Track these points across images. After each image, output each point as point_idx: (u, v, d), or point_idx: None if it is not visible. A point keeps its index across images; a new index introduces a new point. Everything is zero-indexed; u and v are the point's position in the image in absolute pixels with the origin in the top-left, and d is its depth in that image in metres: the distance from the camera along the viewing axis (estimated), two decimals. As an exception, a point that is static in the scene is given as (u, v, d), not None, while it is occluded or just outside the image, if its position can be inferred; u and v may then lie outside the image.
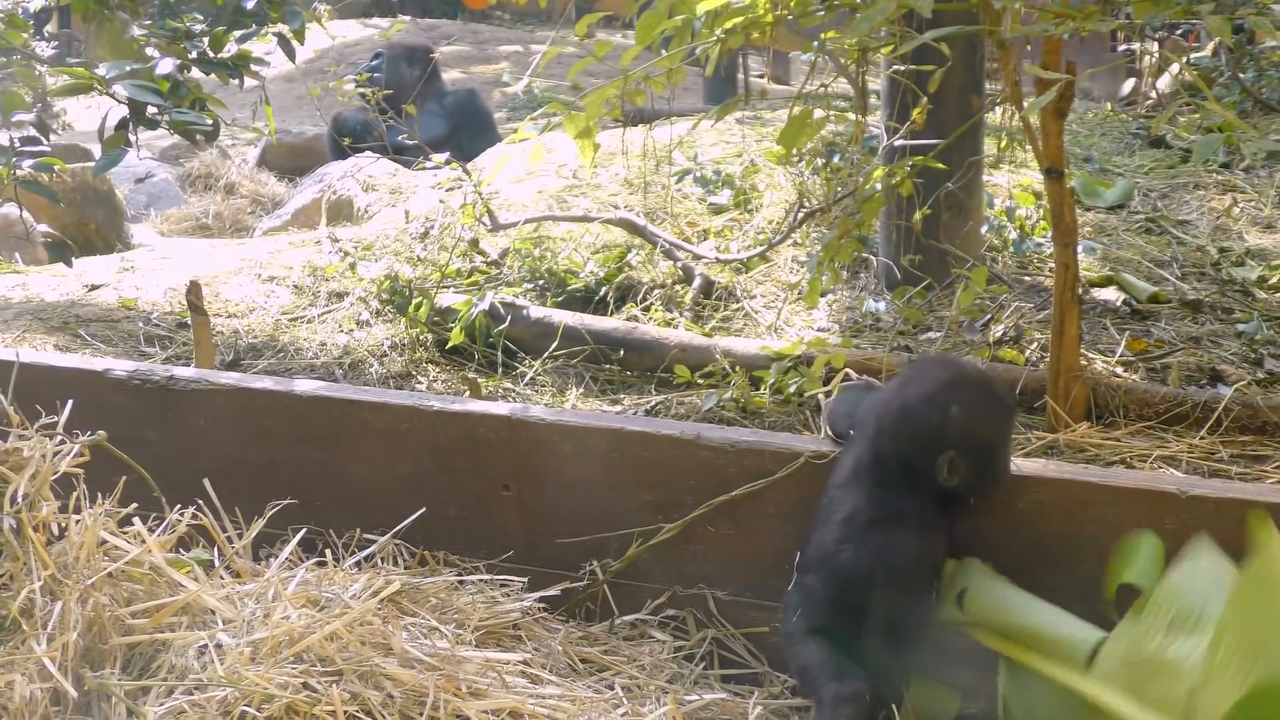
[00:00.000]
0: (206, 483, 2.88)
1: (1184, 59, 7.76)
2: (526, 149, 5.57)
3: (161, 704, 2.31)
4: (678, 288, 5.10)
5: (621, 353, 4.72)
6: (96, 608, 2.44)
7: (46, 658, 2.32)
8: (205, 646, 2.40)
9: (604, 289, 5.15)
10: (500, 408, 3.10)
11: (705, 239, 5.45)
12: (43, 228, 7.22)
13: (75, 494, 2.60)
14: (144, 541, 2.58)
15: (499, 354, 4.82)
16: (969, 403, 2.61)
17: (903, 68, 4.22)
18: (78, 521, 2.53)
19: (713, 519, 2.86)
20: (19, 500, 2.52)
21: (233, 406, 3.21)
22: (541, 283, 5.20)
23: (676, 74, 3.71)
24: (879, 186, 4.09)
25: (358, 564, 2.90)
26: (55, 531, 2.57)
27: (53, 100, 13.34)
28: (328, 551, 2.90)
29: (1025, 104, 3.48)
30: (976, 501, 2.63)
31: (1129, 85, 10.39)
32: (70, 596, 2.40)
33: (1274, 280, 4.80)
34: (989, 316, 4.56)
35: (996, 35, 3.50)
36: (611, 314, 5.03)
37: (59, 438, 2.68)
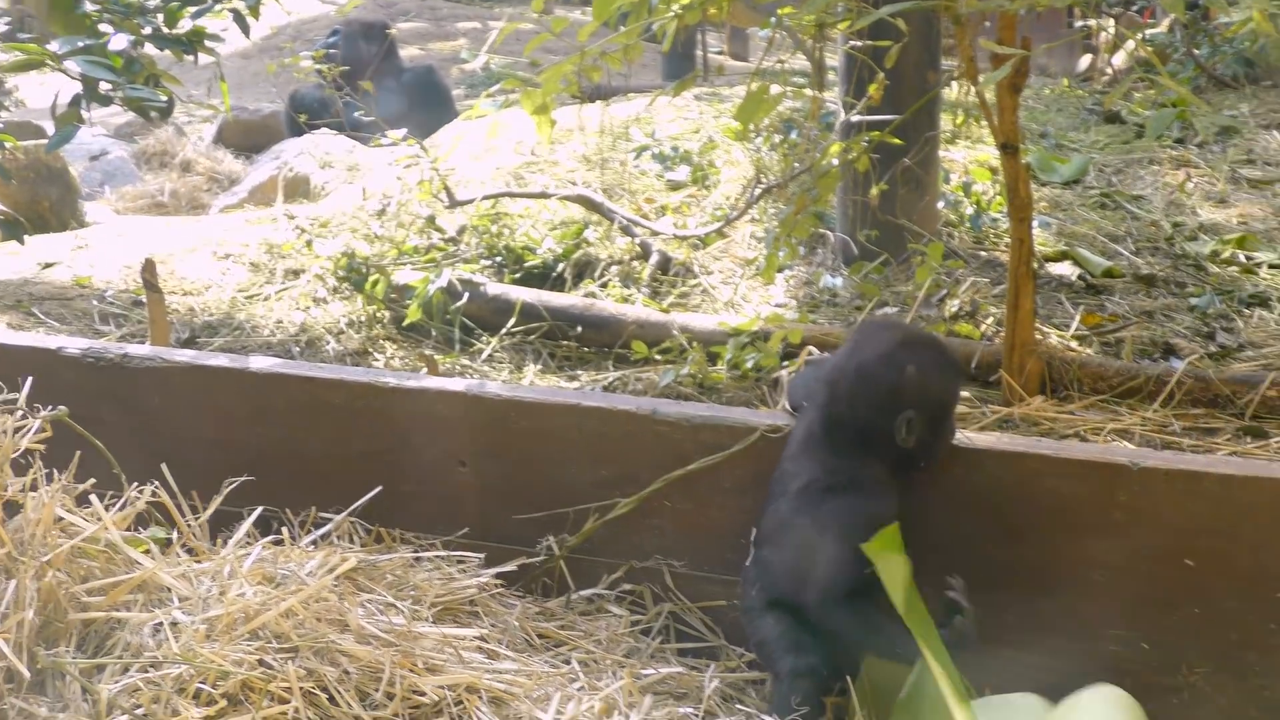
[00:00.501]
0: (164, 466, 2.86)
1: (1139, 35, 7.80)
2: (483, 126, 5.56)
3: (116, 682, 2.29)
4: (635, 264, 5.10)
5: (579, 329, 4.72)
6: (52, 585, 2.42)
7: (0, 636, 2.30)
8: (160, 624, 2.39)
9: (561, 265, 5.15)
10: (456, 384, 3.09)
11: (663, 215, 5.45)
12: (-3, 206, 7.16)
13: (33, 471, 2.58)
14: (100, 519, 2.57)
15: (456, 331, 4.82)
16: (924, 361, 2.62)
17: (859, 43, 4.23)
18: (34, 498, 2.51)
19: (669, 494, 2.86)
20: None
21: (188, 384, 3.19)
22: (499, 259, 5.19)
23: (633, 50, 3.70)
24: (835, 162, 4.09)
25: (314, 542, 2.89)
26: (12, 508, 2.55)
27: (5, 77, 13.22)
28: (284, 530, 2.89)
29: (981, 79, 3.49)
30: (926, 465, 2.64)
31: (1086, 61, 10.44)
32: (25, 574, 2.39)
33: (1227, 254, 4.83)
34: (945, 291, 4.58)
35: (952, 10, 3.50)
36: (569, 290, 5.03)
37: (19, 413, 2.66)
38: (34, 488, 2.55)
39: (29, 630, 2.33)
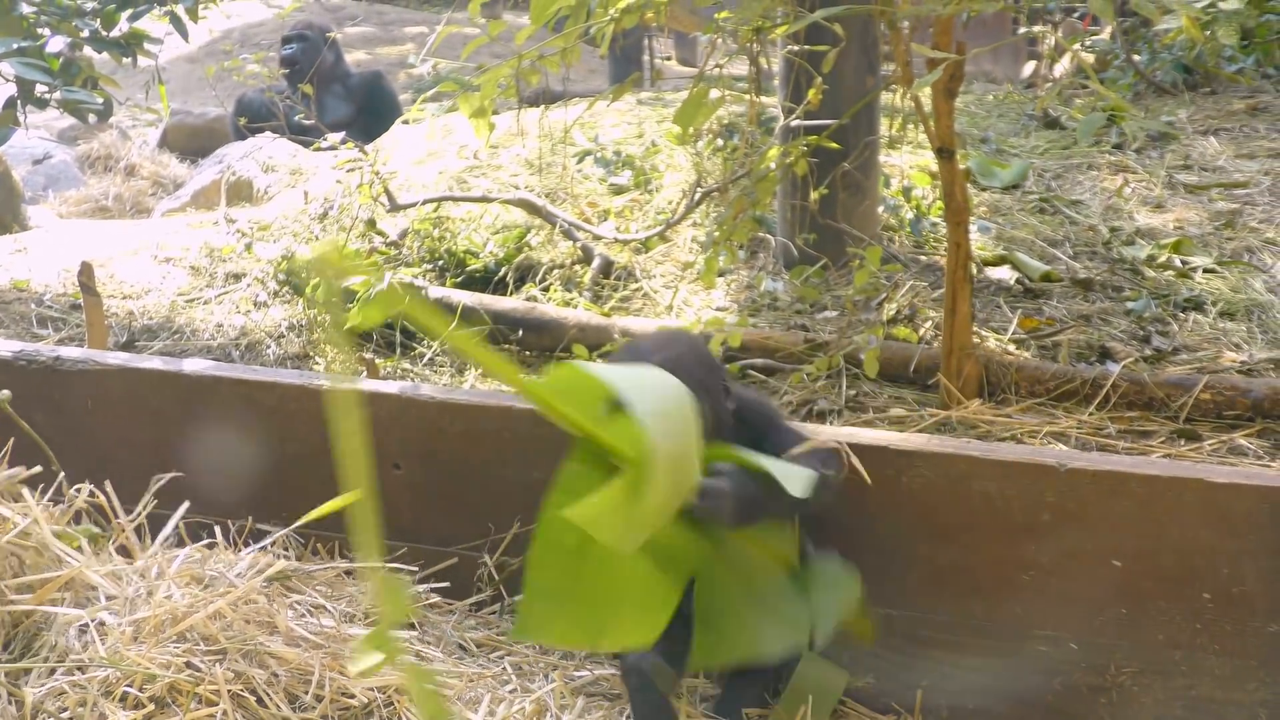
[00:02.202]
0: (98, 465, 2.85)
1: (1080, 42, 7.86)
2: (422, 129, 5.56)
3: (42, 684, 2.28)
4: (577, 268, 5.11)
5: (520, 332, 4.72)
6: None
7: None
8: (87, 625, 2.37)
9: (503, 269, 5.15)
10: (390, 386, 3.09)
11: (605, 219, 5.45)
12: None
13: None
14: (29, 514, 2.55)
15: (397, 334, 4.81)
16: (697, 353, 2.63)
17: (797, 48, 4.24)
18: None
19: (601, 495, 2.87)
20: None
21: (121, 387, 3.17)
22: (441, 263, 5.18)
23: (571, 53, 3.70)
24: (774, 166, 4.11)
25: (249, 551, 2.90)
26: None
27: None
28: (217, 530, 2.88)
29: (914, 84, 3.51)
30: None
31: (1030, 68, 10.51)
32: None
33: (1163, 259, 4.87)
34: (884, 295, 4.60)
35: (887, 15, 3.52)
36: (511, 294, 5.03)
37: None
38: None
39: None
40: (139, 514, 2.84)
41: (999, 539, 2.63)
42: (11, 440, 2.74)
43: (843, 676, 2.77)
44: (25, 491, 2.63)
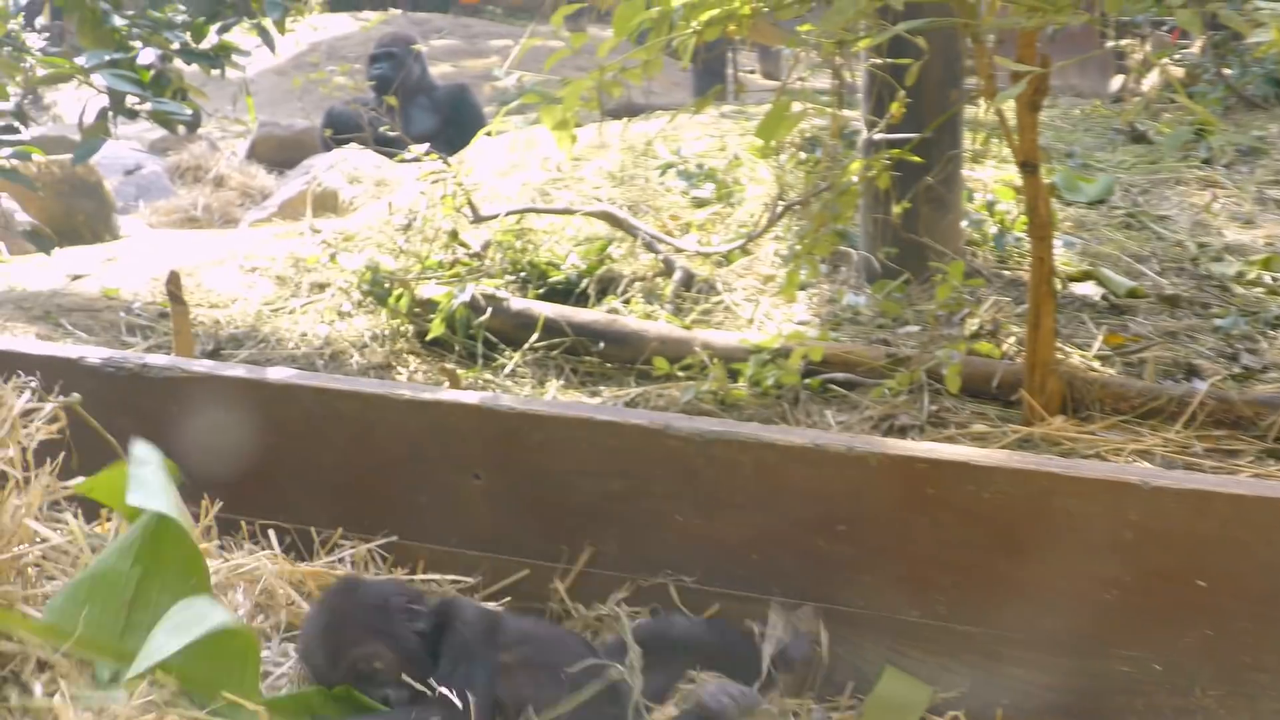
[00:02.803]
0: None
1: (1169, 55, 7.78)
2: (505, 141, 5.59)
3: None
4: (659, 280, 5.11)
5: (601, 345, 4.73)
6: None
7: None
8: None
9: (585, 281, 5.16)
10: (470, 397, 3.10)
11: (687, 232, 5.46)
12: (28, 218, 7.21)
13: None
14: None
15: (479, 346, 4.83)
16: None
17: (880, 61, 4.23)
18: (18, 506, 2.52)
19: (680, 508, 2.86)
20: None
21: (204, 395, 3.21)
22: (523, 275, 5.21)
23: (653, 66, 3.71)
24: (856, 179, 4.09)
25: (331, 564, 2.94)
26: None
27: (43, 92, 13.35)
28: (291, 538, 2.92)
29: (996, 97, 3.49)
30: None
31: (1118, 82, 10.41)
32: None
33: (1251, 276, 4.81)
34: (966, 310, 4.57)
35: (970, 28, 3.50)
36: (592, 306, 5.05)
37: (25, 395, 2.67)
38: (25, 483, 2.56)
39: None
40: (207, 520, 2.87)
41: (1080, 557, 2.60)
42: (62, 454, 2.76)
43: (925, 692, 2.75)
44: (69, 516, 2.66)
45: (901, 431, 4.00)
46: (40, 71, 4.87)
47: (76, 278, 5.66)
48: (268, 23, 4.81)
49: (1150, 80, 8.56)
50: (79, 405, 2.80)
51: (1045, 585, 2.65)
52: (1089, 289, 4.81)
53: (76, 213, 8.32)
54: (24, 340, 4.12)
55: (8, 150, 4.44)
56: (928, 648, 2.72)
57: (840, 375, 4.34)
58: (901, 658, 2.74)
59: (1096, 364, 4.29)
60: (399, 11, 17.62)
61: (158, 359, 3.30)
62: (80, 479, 2.70)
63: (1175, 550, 2.55)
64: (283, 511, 3.02)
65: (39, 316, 5.07)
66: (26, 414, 2.66)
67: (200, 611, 2.33)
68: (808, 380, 4.30)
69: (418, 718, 2.45)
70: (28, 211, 7.64)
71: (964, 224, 5.14)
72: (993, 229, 5.24)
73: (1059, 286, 4.55)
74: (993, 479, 2.65)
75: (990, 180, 5.62)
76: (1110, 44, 8.58)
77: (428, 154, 5.29)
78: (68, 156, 7.06)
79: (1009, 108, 3.71)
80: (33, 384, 2.73)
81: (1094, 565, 2.60)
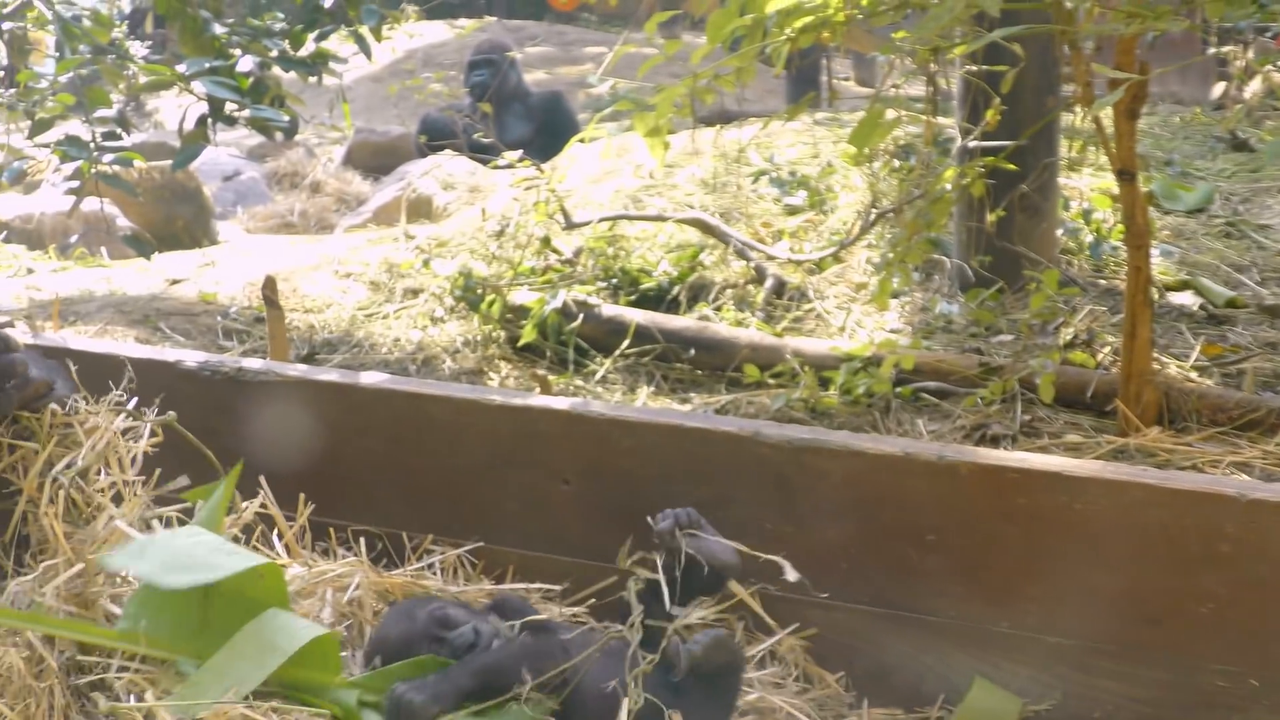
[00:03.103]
0: (261, 478, 2.92)
1: (1272, 62, 7.66)
2: (598, 148, 5.60)
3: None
4: (750, 288, 5.11)
5: (692, 352, 4.73)
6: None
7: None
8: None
9: (676, 288, 5.16)
10: (560, 403, 3.11)
11: (779, 239, 5.45)
12: (129, 223, 7.33)
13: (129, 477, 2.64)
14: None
15: (570, 352, 4.85)
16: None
17: (975, 68, 4.20)
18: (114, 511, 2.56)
19: (769, 516, 2.86)
20: (74, 465, 2.56)
21: (299, 398, 3.24)
22: (614, 281, 5.22)
23: (746, 73, 3.70)
24: (950, 187, 4.07)
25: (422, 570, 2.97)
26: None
27: (145, 99, 13.56)
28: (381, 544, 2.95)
29: (1094, 105, 3.45)
30: None
31: (1219, 89, 10.26)
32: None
33: (1355, 286, 4.73)
34: (1061, 319, 4.52)
35: (1068, 35, 3.47)
36: (683, 313, 5.05)
37: (123, 414, 2.72)
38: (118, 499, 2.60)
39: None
40: (300, 522, 2.90)
41: (1174, 569, 2.57)
42: (158, 471, 2.80)
43: (1015, 704, 2.72)
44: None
45: (994, 441, 3.96)
46: (142, 79, 4.94)
47: (175, 282, 5.75)
48: (365, 30, 4.85)
49: (1252, 87, 8.43)
50: (175, 421, 2.84)
51: (1139, 598, 2.61)
52: (1187, 298, 4.75)
53: (176, 218, 8.46)
54: (124, 344, 4.18)
55: (110, 156, 4.51)
56: (1018, 659, 2.70)
57: (932, 384, 4.32)
58: (991, 669, 2.72)
59: (1194, 374, 4.24)
60: (494, 19, 17.74)
61: (253, 363, 3.34)
62: (183, 480, 2.75)
63: (1272, 563, 2.51)
64: (373, 516, 3.05)
65: (138, 320, 5.15)
66: (125, 431, 2.71)
67: (281, 628, 2.37)
68: (899, 389, 4.28)
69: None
70: (128, 217, 7.78)
71: (1059, 232, 5.09)
72: (1089, 237, 5.19)
73: (1156, 296, 4.49)
74: (1086, 490, 2.62)
75: (1087, 188, 5.56)
76: (1211, 50, 8.46)
77: (521, 161, 5.32)
78: (168, 162, 7.17)
79: (1106, 115, 3.67)
80: (130, 401, 2.78)
81: (1189, 578, 2.56)
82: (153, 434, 2.75)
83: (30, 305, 5.51)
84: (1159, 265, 4.84)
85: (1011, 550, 2.65)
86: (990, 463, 2.70)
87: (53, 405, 2.67)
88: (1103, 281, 4.92)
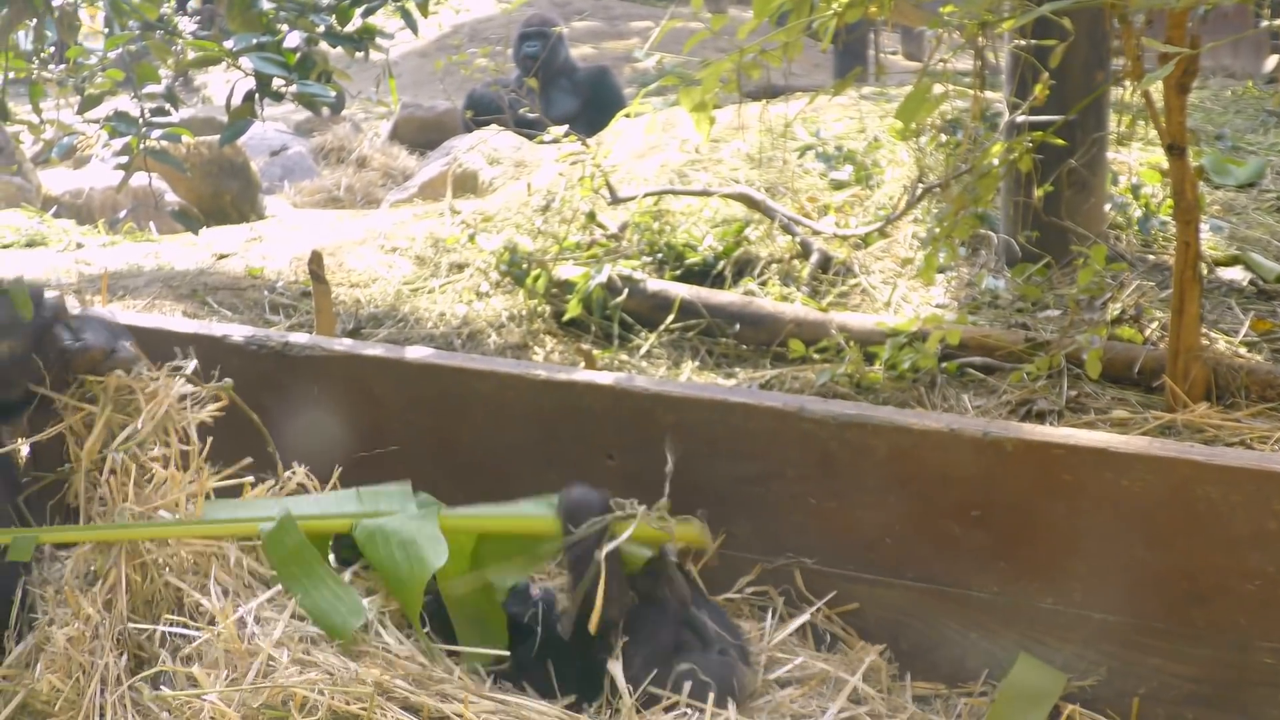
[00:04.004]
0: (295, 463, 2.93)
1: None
2: (643, 123, 5.60)
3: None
4: (795, 263, 5.10)
5: (737, 327, 4.73)
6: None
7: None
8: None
9: (721, 263, 5.16)
10: (605, 378, 3.11)
11: (825, 214, 5.43)
12: (177, 198, 7.37)
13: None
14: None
15: (615, 326, 4.85)
16: None
17: (1024, 42, 4.17)
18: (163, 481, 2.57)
19: (813, 491, 2.86)
20: (133, 436, 2.56)
21: (345, 372, 3.26)
22: (659, 256, 5.22)
23: (793, 48, 3.69)
24: (997, 162, 4.05)
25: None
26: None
27: (193, 75, 13.62)
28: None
29: (1144, 79, 3.42)
30: None
31: (1272, 62, 10.16)
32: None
33: None
34: (1109, 294, 4.50)
35: (1118, 8, 3.44)
36: (728, 288, 5.04)
37: (180, 380, 2.72)
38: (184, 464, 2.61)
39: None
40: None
41: (1221, 546, 2.55)
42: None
43: (1060, 680, 2.72)
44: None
45: (1039, 417, 3.95)
46: (190, 55, 4.95)
47: (222, 257, 5.78)
48: (411, 5, 4.84)
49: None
50: (231, 390, 2.85)
51: (1185, 575, 2.60)
52: (1236, 274, 4.71)
53: (223, 193, 8.50)
54: (172, 319, 4.21)
55: (158, 132, 4.52)
56: (1062, 635, 2.69)
57: (978, 359, 4.30)
58: (1036, 645, 2.71)
59: (1243, 350, 4.20)
60: (541, -6, 17.71)
61: (299, 337, 3.35)
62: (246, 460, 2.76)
63: (1322, 542, 2.49)
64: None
65: (186, 295, 5.18)
66: (182, 398, 2.72)
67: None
68: (945, 364, 4.27)
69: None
70: (177, 192, 7.82)
71: (1107, 207, 5.06)
72: (1137, 213, 5.15)
73: (1205, 271, 4.46)
74: (1132, 466, 2.60)
75: (1135, 163, 5.52)
76: (1264, 23, 8.37)
77: (567, 135, 5.32)
78: (215, 138, 7.20)
79: (1156, 89, 3.64)
80: (188, 367, 2.79)
81: (1236, 555, 2.54)
82: (217, 399, 2.76)
83: (80, 279, 5.55)
84: (1208, 240, 4.80)
85: (1057, 527, 2.64)
86: (1036, 439, 2.69)
87: (117, 371, 2.67)
88: (1151, 257, 4.89)
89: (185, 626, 2.33)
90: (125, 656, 2.33)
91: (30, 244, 6.56)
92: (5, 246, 6.46)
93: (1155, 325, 4.35)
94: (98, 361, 2.63)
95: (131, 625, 2.34)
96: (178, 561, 2.43)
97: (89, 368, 2.63)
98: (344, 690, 2.17)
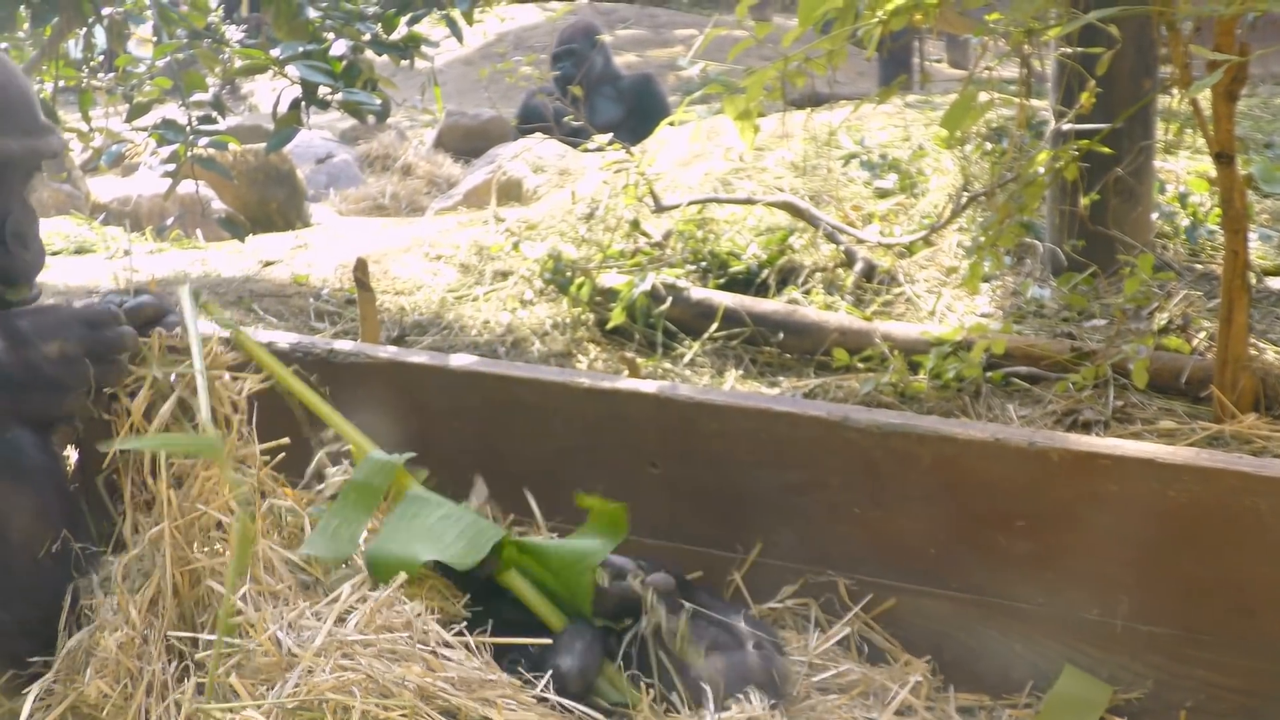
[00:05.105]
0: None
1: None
2: (687, 131, 5.61)
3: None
4: (839, 271, 5.09)
5: (781, 335, 4.72)
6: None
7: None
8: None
9: (765, 271, 5.15)
10: (648, 386, 3.11)
11: (869, 223, 5.42)
12: (223, 205, 7.41)
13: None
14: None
15: (659, 335, 4.85)
16: None
17: (1070, 50, 4.15)
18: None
19: (857, 501, 2.85)
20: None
21: (389, 380, 3.26)
22: (703, 264, 5.22)
23: (837, 55, 3.69)
24: (1043, 170, 4.03)
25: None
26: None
27: (240, 83, 13.71)
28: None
29: (1191, 87, 3.40)
30: None
31: (1321, 70, 10.08)
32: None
33: None
34: (1155, 304, 4.47)
35: (1165, 16, 3.42)
36: (772, 296, 5.04)
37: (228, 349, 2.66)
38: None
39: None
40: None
41: (1270, 558, 2.53)
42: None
43: (1106, 691, 2.70)
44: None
45: (1085, 427, 3.93)
46: (237, 63, 5.00)
47: (268, 264, 5.81)
48: (456, 14, 4.88)
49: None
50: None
51: (1232, 587, 2.58)
52: (1286, 283, 4.69)
53: (269, 200, 8.55)
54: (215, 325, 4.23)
55: (206, 139, 4.57)
56: (1108, 647, 2.67)
57: (1023, 369, 4.28)
58: (1081, 656, 2.69)
59: (1292, 361, 4.17)
60: (585, 1, 17.73)
61: (344, 344, 3.37)
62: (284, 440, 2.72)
63: (1372, 554, 2.47)
64: (463, 497, 3.07)
65: (232, 301, 5.22)
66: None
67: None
68: (989, 373, 4.25)
69: None
70: (223, 199, 7.87)
71: (1154, 216, 5.03)
72: (1184, 221, 5.12)
73: (1254, 280, 4.42)
74: (1179, 477, 2.58)
75: (1183, 172, 5.49)
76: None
77: (611, 143, 5.33)
78: (262, 145, 7.25)
79: (1205, 97, 3.62)
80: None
81: (1285, 568, 2.53)
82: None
83: (127, 286, 5.57)
84: (1257, 249, 4.77)
85: (1103, 537, 2.63)
86: (1082, 449, 2.67)
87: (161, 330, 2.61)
88: (1199, 266, 4.86)
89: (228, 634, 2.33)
90: (174, 664, 2.33)
91: (79, 251, 6.61)
92: (54, 253, 6.52)
93: (1203, 335, 4.33)
94: (150, 319, 2.58)
95: (174, 635, 2.34)
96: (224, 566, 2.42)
97: (144, 321, 2.57)
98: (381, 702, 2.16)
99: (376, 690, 2.16)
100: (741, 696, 2.43)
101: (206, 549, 2.44)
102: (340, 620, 2.30)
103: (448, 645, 2.32)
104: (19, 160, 2.31)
